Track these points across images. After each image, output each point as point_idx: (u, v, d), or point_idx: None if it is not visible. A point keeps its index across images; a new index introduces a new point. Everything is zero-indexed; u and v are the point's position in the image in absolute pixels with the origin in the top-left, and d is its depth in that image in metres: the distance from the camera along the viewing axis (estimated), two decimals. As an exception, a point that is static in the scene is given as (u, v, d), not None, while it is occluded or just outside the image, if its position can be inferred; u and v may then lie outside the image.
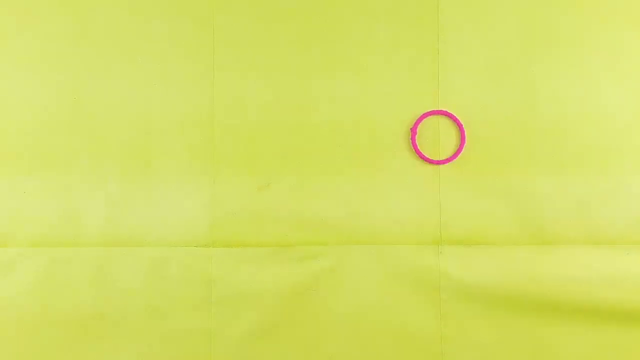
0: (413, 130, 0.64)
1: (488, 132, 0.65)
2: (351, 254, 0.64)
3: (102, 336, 0.63)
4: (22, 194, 0.64)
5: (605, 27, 0.65)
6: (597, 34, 0.65)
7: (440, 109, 0.64)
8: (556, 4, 0.65)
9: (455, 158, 0.64)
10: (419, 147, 0.64)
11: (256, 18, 0.65)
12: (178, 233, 0.64)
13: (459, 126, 0.64)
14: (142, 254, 0.64)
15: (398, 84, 0.65)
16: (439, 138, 0.65)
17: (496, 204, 0.64)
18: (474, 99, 0.65)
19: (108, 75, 0.64)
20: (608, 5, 0.65)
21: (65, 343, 0.63)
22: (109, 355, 0.63)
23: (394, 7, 0.65)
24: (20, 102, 0.64)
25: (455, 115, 0.64)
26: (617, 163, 0.65)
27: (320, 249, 0.65)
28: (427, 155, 0.64)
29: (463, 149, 0.64)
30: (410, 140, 0.64)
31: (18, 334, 0.63)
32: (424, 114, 0.64)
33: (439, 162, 0.64)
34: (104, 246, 0.64)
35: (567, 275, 0.64)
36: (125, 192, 0.64)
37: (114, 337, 0.63)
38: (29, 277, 0.63)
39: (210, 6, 0.65)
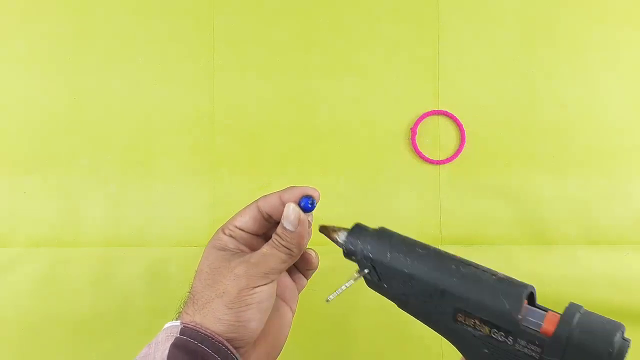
0: (413, 131, 0.63)
1: (488, 132, 0.65)
2: (351, 254, 0.64)
3: (102, 336, 0.63)
4: (21, 194, 0.64)
5: (605, 26, 0.65)
6: (597, 34, 0.65)
7: (440, 109, 0.64)
8: (556, 4, 0.65)
9: (455, 158, 0.64)
10: (419, 147, 0.64)
11: (256, 18, 0.65)
12: (178, 233, 0.64)
13: (459, 126, 0.64)
14: (142, 254, 0.64)
15: (398, 84, 0.65)
16: (438, 138, 0.65)
17: (496, 204, 0.64)
18: (474, 99, 0.65)
19: (108, 75, 0.64)
20: (608, 4, 0.65)
21: (65, 343, 0.63)
22: (109, 355, 0.63)
23: (394, 7, 0.65)
24: (19, 102, 0.64)
25: (455, 115, 0.64)
26: (617, 163, 0.65)
27: (320, 248, 0.64)
28: (427, 155, 0.64)
29: (463, 149, 0.64)
30: (410, 141, 0.64)
31: (18, 335, 0.63)
32: (424, 114, 0.64)
33: (439, 162, 0.64)
34: (104, 246, 0.64)
35: (567, 275, 0.64)
36: (125, 192, 0.64)
37: (114, 337, 0.63)
38: (28, 277, 0.63)
39: (210, 6, 0.65)
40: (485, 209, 0.64)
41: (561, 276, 0.63)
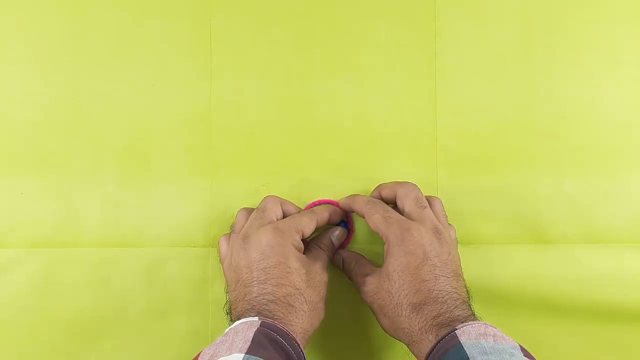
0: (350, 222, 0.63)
1: (487, 132, 0.65)
2: (350, 254, 0.64)
3: (101, 337, 0.63)
4: (19, 194, 0.64)
5: (605, 27, 0.65)
6: (597, 34, 0.65)
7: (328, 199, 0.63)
8: (556, 4, 0.65)
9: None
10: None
11: (254, 18, 0.65)
12: (176, 233, 0.64)
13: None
14: (141, 254, 0.64)
15: (397, 84, 0.65)
16: (436, 141, 0.65)
17: (495, 203, 0.64)
18: (472, 99, 0.64)
19: (106, 76, 0.64)
20: (608, 4, 0.65)
21: (64, 344, 0.63)
22: (108, 355, 0.63)
23: (392, 8, 0.65)
24: (16, 102, 0.64)
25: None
26: (616, 162, 0.65)
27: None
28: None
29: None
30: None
31: (17, 335, 0.63)
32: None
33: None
34: (102, 247, 0.63)
35: (566, 275, 0.64)
36: (123, 193, 0.64)
37: (112, 338, 0.63)
38: (27, 278, 0.63)
39: (207, 6, 0.64)
40: (483, 208, 0.64)
41: (560, 276, 0.64)
